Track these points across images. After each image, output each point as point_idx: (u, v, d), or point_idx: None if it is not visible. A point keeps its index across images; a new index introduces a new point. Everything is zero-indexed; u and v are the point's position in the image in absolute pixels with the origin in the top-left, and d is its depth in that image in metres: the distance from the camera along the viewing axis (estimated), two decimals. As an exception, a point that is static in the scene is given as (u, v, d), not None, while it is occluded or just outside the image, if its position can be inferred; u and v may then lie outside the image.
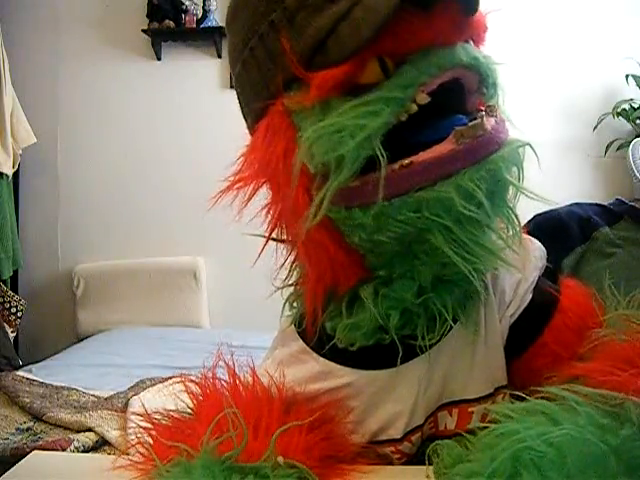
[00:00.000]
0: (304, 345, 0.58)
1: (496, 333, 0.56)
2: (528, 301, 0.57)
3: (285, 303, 0.59)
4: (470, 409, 0.55)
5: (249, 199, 0.51)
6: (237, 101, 0.55)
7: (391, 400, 0.55)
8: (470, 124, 0.45)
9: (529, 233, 0.59)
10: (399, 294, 0.49)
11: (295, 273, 0.56)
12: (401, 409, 0.55)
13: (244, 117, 0.55)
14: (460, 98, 0.49)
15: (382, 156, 0.43)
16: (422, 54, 0.45)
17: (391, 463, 0.56)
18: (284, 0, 0.47)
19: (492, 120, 0.47)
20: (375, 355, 0.53)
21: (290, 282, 0.57)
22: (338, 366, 0.56)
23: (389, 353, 0.52)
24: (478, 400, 0.55)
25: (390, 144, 0.44)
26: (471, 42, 0.49)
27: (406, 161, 0.44)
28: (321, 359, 0.56)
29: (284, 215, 0.51)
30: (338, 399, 0.55)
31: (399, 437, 0.55)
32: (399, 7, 0.41)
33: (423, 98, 0.45)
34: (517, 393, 0.48)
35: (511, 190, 0.48)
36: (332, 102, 0.45)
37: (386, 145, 0.44)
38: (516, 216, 0.49)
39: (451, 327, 0.51)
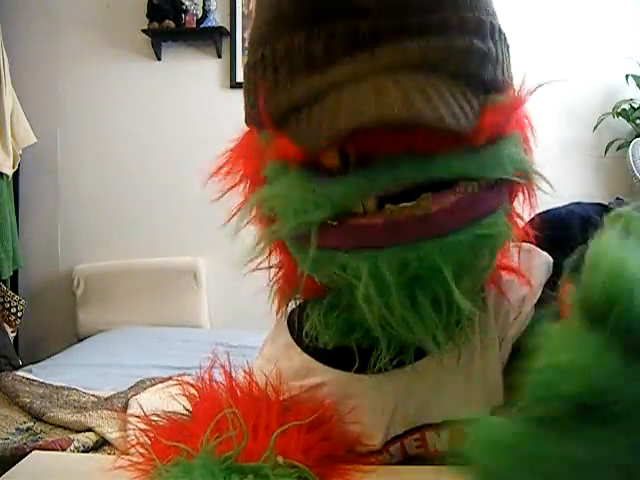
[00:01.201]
0: (290, 339, 0.58)
1: (494, 353, 0.55)
2: (531, 317, 0.55)
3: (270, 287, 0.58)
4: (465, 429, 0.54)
5: (225, 192, 0.52)
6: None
7: (368, 408, 0.54)
8: (401, 205, 0.41)
9: (529, 233, 0.58)
10: (358, 318, 0.48)
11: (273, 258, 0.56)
12: (379, 420, 0.54)
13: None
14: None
15: (314, 239, 0.44)
16: (388, 159, 0.42)
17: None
18: (276, 42, 0.45)
19: (450, 198, 0.42)
20: (352, 358, 0.52)
21: (270, 265, 0.56)
22: (318, 364, 0.56)
23: (367, 358, 0.51)
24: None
25: None
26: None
27: (335, 222, 0.44)
28: (303, 354, 0.57)
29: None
30: (319, 398, 0.55)
31: (378, 447, 0.55)
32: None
33: (371, 206, 0.42)
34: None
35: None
36: (290, 168, 0.45)
37: None
38: (474, 306, 0.45)
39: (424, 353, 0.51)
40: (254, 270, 0.54)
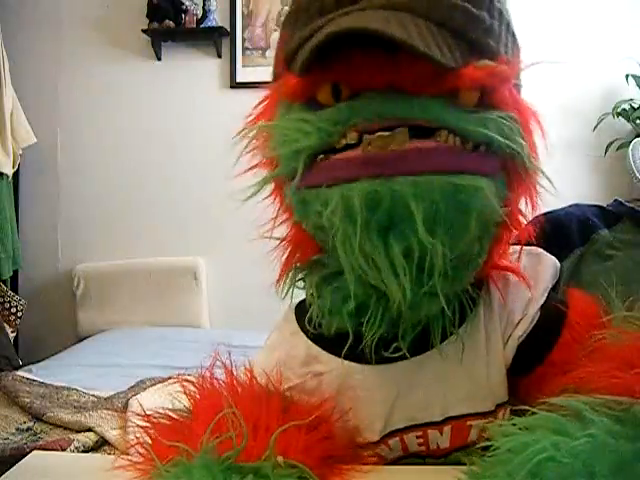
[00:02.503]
0: (296, 326, 0.59)
1: (498, 351, 0.55)
2: (537, 319, 0.55)
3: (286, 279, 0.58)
4: (468, 422, 0.54)
5: (244, 156, 0.53)
6: None
7: (369, 398, 0.55)
8: (377, 134, 0.43)
9: (528, 235, 0.58)
10: (346, 285, 0.49)
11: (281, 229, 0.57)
12: (378, 409, 0.55)
13: None
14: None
15: (301, 172, 0.46)
16: (373, 95, 0.44)
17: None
18: None
19: (429, 143, 0.43)
20: (353, 345, 0.52)
21: (277, 236, 0.57)
22: (322, 351, 0.56)
23: (370, 349, 0.52)
24: (477, 415, 0.54)
25: None
26: (465, 95, 0.45)
27: (324, 157, 0.46)
28: (309, 342, 0.57)
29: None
30: (322, 385, 0.56)
31: (376, 439, 0.55)
32: (350, 42, 0.42)
33: (352, 138, 0.44)
34: (518, 408, 0.47)
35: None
36: (294, 106, 0.49)
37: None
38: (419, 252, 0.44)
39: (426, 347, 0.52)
40: (262, 238, 0.56)
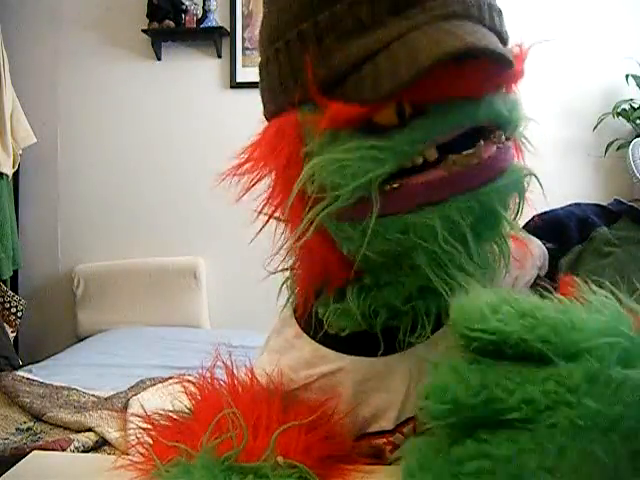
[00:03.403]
0: (299, 329, 0.58)
1: None
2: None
3: (282, 285, 0.59)
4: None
5: (247, 190, 0.52)
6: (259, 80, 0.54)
7: (382, 389, 0.55)
8: (464, 153, 0.45)
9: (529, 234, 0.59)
10: (386, 300, 0.50)
11: (290, 257, 0.57)
12: (392, 399, 0.55)
13: (262, 100, 0.54)
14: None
15: (375, 201, 0.44)
16: (442, 107, 0.44)
17: (382, 456, 0.56)
18: (317, 14, 0.46)
19: (493, 148, 0.46)
20: (366, 342, 0.53)
21: (285, 267, 0.57)
22: (330, 351, 0.56)
23: (386, 339, 0.52)
24: None
25: None
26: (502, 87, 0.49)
27: (396, 184, 0.45)
28: (314, 343, 0.57)
29: (282, 208, 0.52)
30: (331, 385, 0.55)
31: (390, 428, 0.55)
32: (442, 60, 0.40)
33: (432, 155, 0.45)
34: None
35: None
36: (342, 134, 0.45)
37: None
38: (507, 247, 0.51)
39: (437, 327, 0.52)
40: (274, 272, 0.56)
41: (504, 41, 0.49)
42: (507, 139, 0.49)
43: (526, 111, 0.52)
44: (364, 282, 0.51)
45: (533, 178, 0.52)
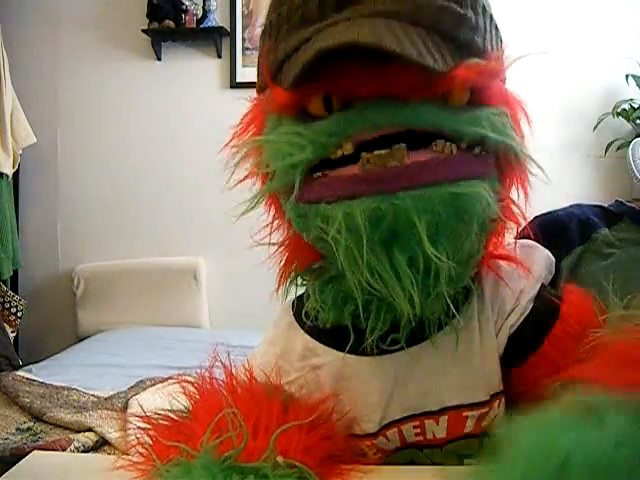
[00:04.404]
0: (293, 321, 0.59)
1: (491, 341, 0.55)
2: (529, 310, 0.56)
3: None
4: (465, 413, 0.54)
5: (232, 169, 0.53)
6: None
7: (366, 391, 0.55)
8: (375, 152, 0.43)
9: (529, 235, 0.59)
10: (347, 289, 0.50)
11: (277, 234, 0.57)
12: (376, 400, 0.55)
13: None
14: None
15: (298, 186, 0.46)
16: (365, 105, 0.45)
17: (366, 456, 0.56)
18: (281, 6, 0.49)
19: (426, 155, 0.44)
20: (351, 339, 0.53)
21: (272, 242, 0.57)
22: (319, 344, 0.57)
23: (355, 337, 0.53)
24: (473, 406, 0.54)
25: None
26: (456, 96, 0.45)
27: (319, 174, 0.46)
28: (305, 335, 0.58)
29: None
30: (320, 378, 0.56)
31: (374, 431, 0.55)
32: (339, 52, 0.41)
33: (348, 149, 0.45)
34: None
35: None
36: (283, 118, 0.48)
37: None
38: (424, 264, 0.45)
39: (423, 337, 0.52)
40: (258, 245, 0.56)
41: (463, 47, 0.45)
42: (471, 150, 0.46)
43: (514, 131, 0.48)
44: (327, 270, 0.52)
45: (533, 178, 0.52)
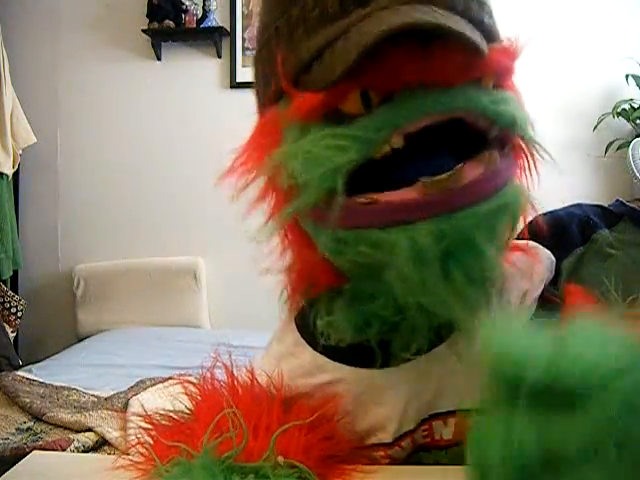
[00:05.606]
0: (299, 337, 0.58)
1: None
2: (532, 311, 0.56)
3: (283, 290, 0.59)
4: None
5: (241, 190, 0.51)
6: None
7: (381, 402, 0.54)
8: (436, 178, 0.42)
9: (529, 234, 0.59)
10: (375, 310, 0.49)
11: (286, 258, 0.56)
12: (391, 413, 0.54)
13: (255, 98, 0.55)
14: (460, 134, 0.46)
15: (341, 192, 0.43)
16: (409, 94, 0.43)
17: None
18: (291, 9, 0.47)
19: (477, 170, 0.44)
20: (366, 353, 0.52)
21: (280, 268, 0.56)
22: (329, 361, 0.55)
23: (380, 353, 0.52)
24: None
25: (367, 175, 0.44)
26: (486, 80, 0.46)
27: (368, 199, 0.44)
28: (314, 352, 0.56)
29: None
30: (330, 395, 0.55)
31: (389, 441, 0.55)
32: (381, 41, 0.39)
33: (397, 142, 0.43)
34: None
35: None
36: (311, 125, 0.45)
37: (361, 176, 0.44)
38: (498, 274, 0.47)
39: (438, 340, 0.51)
40: (267, 271, 0.55)
41: (487, 32, 0.46)
42: (504, 148, 0.47)
43: (529, 112, 0.50)
44: (353, 292, 0.50)
45: (533, 178, 0.52)
